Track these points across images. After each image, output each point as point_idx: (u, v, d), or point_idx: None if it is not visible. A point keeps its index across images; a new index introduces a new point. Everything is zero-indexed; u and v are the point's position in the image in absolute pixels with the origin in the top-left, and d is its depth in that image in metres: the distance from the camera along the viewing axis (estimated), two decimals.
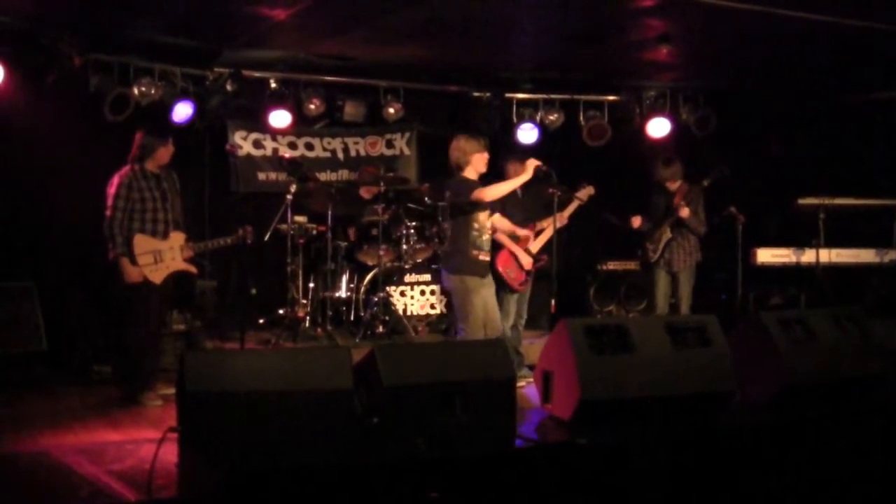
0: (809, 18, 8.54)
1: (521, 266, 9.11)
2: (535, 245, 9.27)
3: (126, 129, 9.49)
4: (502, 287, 9.05)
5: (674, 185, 9.89)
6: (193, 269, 8.41)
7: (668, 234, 9.72)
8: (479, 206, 8.03)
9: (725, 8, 8.31)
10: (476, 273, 8.03)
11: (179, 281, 8.50)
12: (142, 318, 8.00)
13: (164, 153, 8.16)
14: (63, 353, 9.07)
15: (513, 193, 8.96)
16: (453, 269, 8.09)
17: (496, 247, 8.90)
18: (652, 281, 9.99)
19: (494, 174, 8.99)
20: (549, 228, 9.27)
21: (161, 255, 8.01)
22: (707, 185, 9.74)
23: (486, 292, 8.15)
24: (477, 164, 8.10)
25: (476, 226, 8.06)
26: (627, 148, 11.73)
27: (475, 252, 8.02)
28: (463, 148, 8.09)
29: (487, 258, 8.20)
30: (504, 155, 9.48)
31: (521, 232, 8.94)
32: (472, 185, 8.00)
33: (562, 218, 9.24)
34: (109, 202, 7.87)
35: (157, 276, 8.00)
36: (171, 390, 7.71)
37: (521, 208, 9.31)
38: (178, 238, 8.16)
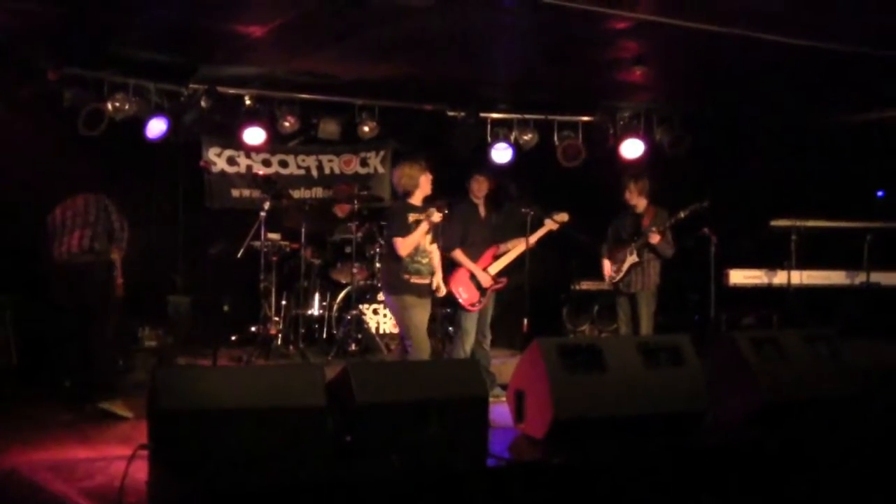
0: (783, 42, 8.61)
1: (477, 286, 9.08)
2: (496, 266, 9.25)
3: (100, 144, 9.51)
4: (456, 306, 9.13)
5: (640, 206, 9.85)
6: None
7: (633, 258, 9.65)
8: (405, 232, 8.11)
9: (699, 31, 8.37)
10: (411, 292, 8.13)
11: (152, 297, 8.54)
12: (112, 329, 8.19)
13: None
14: (34, 369, 9.01)
15: (475, 215, 9.16)
16: (388, 289, 8.27)
17: (451, 266, 9.02)
18: (616, 303, 9.98)
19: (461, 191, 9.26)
20: (512, 251, 9.28)
21: None
22: (684, 217, 9.68)
23: (422, 311, 8.21)
24: (424, 187, 8.26)
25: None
26: (601, 168, 11.75)
27: (406, 276, 8.11)
28: (410, 174, 8.24)
29: (424, 281, 8.23)
30: (470, 172, 9.47)
31: (437, 280, 8.59)
32: (398, 225, 8.12)
33: (528, 244, 9.26)
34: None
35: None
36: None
37: (482, 229, 9.31)
38: None
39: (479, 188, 9.25)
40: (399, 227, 8.11)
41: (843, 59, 9.16)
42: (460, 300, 9.05)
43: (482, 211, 9.30)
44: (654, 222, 9.63)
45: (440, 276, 8.52)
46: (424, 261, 8.22)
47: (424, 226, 8.10)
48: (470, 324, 9.10)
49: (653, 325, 9.68)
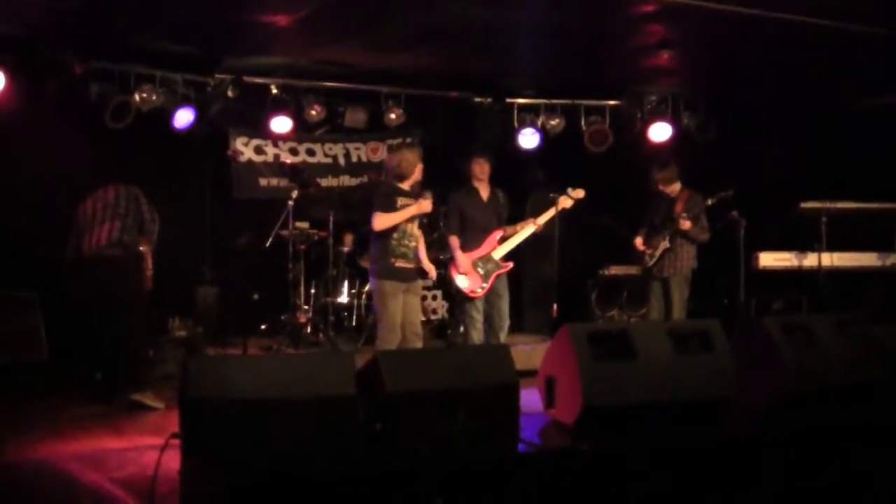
0: (811, 23, 8.53)
1: (479, 272, 9.11)
2: (502, 250, 9.27)
3: (127, 137, 9.54)
4: (459, 293, 9.20)
5: (674, 191, 9.82)
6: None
7: (665, 244, 9.64)
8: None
9: (726, 13, 8.30)
10: (395, 278, 8.26)
11: (180, 288, 8.58)
12: (140, 321, 8.31)
13: None
14: (64, 362, 9.06)
15: (475, 199, 9.24)
16: (374, 273, 8.40)
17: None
18: (648, 287, 9.96)
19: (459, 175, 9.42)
20: (519, 233, 9.30)
21: None
22: (710, 206, 9.68)
23: (407, 298, 8.35)
24: (417, 175, 8.47)
25: (395, 235, 8.28)
26: (629, 153, 11.71)
27: (393, 259, 8.26)
28: (410, 159, 8.49)
29: (410, 265, 8.37)
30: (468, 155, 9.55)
31: (427, 266, 8.77)
32: (383, 202, 8.29)
33: (537, 224, 9.30)
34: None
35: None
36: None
37: (484, 213, 9.34)
38: None
39: (482, 170, 9.30)
40: (383, 204, 8.27)
41: (874, 41, 9.07)
42: (462, 288, 9.08)
43: (484, 194, 9.32)
44: (686, 207, 9.60)
45: (426, 259, 8.68)
46: (412, 244, 8.38)
47: (413, 209, 8.26)
48: (475, 310, 9.16)
49: (685, 311, 9.65)
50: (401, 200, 8.30)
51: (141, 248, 8.30)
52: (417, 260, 8.49)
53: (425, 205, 8.26)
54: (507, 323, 9.34)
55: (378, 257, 8.32)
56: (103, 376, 8.57)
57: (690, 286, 9.73)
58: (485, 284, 9.12)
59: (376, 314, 8.46)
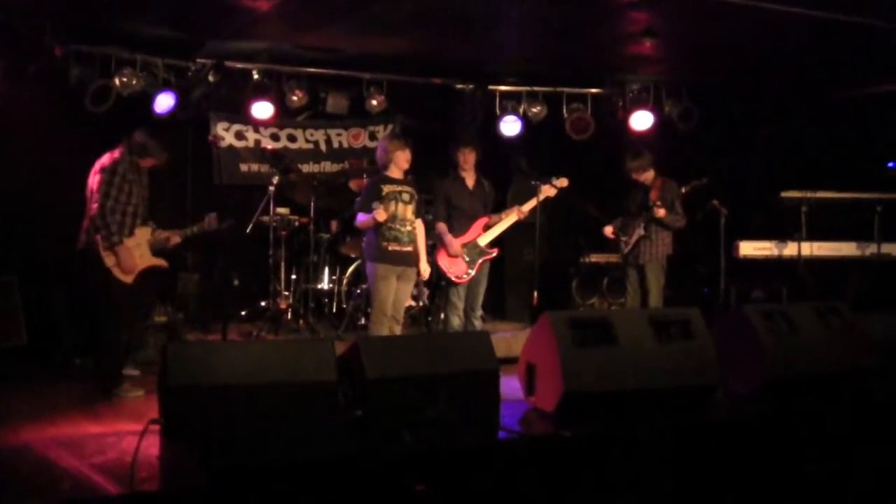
0: (793, 13, 8.55)
1: (464, 258, 9.16)
2: (487, 237, 9.31)
3: (107, 121, 9.48)
4: (444, 278, 9.30)
5: (647, 179, 9.83)
6: (164, 263, 8.32)
7: (640, 232, 9.65)
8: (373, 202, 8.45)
9: (709, 1, 8.31)
10: (388, 261, 8.45)
11: (160, 273, 8.47)
12: (116, 312, 7.94)
13: (160, 160, 8.27)
14: (44, 347, 9.02)
15: (460, 187, 9.34)
16: (368, 256, 8.61)
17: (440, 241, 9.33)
18: (625, 275, 9.99)
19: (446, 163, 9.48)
20: (504, 220, 9.34)
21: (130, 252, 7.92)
22: (684, 194, 9.72)
23: (397, 282, 8.53)
24: (399, 163, 8.62)
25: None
26: (611, 141, 11.72)
27: (385, 243, 8.44)
28: (387, 149, 8.66)
29: (404, 249, 8.52)
30: (456, 144, 9.55)
31: (423, 265, 8.84)
32: (366, 200, 8.55)
33: (521, 212, 9.34)
34: (103, 190, 7.72)
35: (128, 275, 7.92)
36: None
37: (470, 201, 9.39)
38: (143, 233, 8.10)
39: (466, 160, 9.34)
40: (365, 202, 8.54)
41: (853, 31, 9.09)
42: (448, 274, 9.13)
43: (470, 182, 9.37)
44: (661, 195, 9.62)
45: (425, 258, 8.79)
46: (404, 229, 8.51)
47: (370, 220, 8.41)
48: (456, 297, 9.22)
49: (662, 298, 9.68)
50: (386, 188, 8.47)
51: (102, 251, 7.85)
52: (413, 244, 8.59)
53: (379, 215, 8.33)
54: (479, 311, 9.42)
55: (371, 241, 8.51)
56: (83, 361, 8.52)
57: (666, 273, 9.76)
58: (471, 271, 9.17)
59: (371, 297, 8.64)
